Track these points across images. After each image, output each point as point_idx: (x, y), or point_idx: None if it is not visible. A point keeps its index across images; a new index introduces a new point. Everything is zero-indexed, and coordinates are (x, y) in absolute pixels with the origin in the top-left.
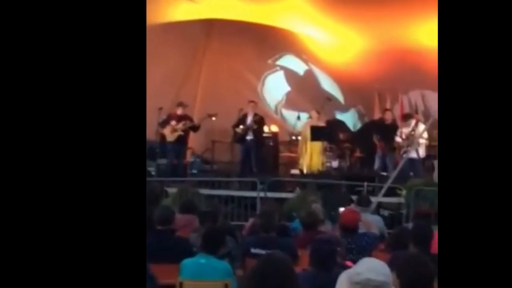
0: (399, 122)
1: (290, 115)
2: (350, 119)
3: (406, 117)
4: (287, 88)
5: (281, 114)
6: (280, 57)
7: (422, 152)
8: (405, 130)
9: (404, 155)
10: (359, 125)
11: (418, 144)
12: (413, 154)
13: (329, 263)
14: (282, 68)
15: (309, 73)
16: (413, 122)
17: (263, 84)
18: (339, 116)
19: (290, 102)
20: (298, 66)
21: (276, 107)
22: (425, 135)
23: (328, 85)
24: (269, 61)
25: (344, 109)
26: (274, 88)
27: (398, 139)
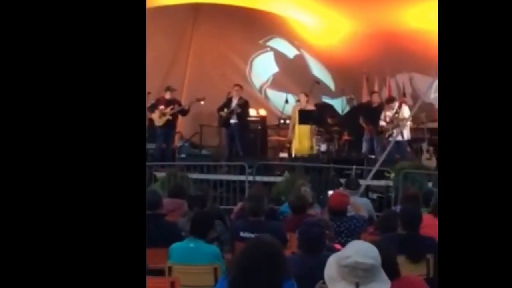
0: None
1: (278, 98)
2: (338, 103)
3: (389, 101)
4: (275, 69)
5: (267, 96)
6: (270, 39)
7: (407, 134)
8: (389, 113)
9: (390, 138)
10: (347, 109)
11: (403, 126)
12: (399, 137)
13: (317, 246)
14: (272, 49)
15: (299, 57)
16: (396, 104)
17: (250, 68)
18: (328, 101)
19: (277, 83)
20: (288, 49)
21: (261, 87)
22: (409, 116)
23: (318, 70)
24: (260, 42)
25: (334, 95)
26: (262, 71)
27: (382, 122)
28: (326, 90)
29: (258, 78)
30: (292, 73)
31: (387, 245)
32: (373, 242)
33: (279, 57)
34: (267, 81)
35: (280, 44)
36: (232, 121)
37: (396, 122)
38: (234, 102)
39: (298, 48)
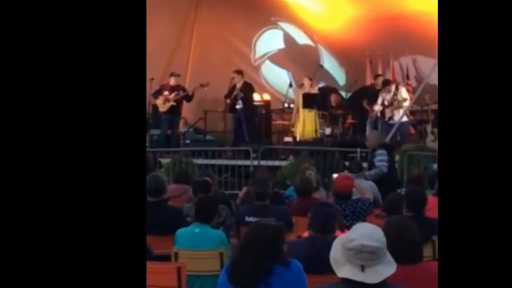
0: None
1: (277, 76)
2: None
3: (385, 83)
4: (281, 45)
5: (266, 65)
6: (277, 22)
7: (407, 116)
8: (387, 96)
9: (391, 121)
10: (351, 92)
11: (404, 107)
12: (403, 119)
13: (330, 226)
14: (282, 30)
15: (309, 46)
16: (393, 87)
17: (254, 51)
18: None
19: (279, 58)
20: (297, 34)
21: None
22: (407, 98)
23: (329, 62)
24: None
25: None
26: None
27: (378, 107)
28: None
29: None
30: (298, 56)
31: (412, 226)
32: (402, 223)
33: (288, 37)
34: (270, 52)
35: (289, 28)
36: (238, 106)
37: (396, 104)
38: (238, 87)
39: (308, 35)
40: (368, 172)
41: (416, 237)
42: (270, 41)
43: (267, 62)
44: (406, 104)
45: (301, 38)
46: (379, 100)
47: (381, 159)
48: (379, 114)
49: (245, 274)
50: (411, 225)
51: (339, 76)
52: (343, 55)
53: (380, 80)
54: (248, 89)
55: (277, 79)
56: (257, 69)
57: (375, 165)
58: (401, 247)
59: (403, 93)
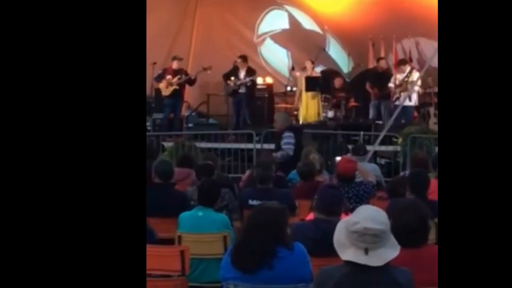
0: (393, 70)
1: (281, 63)
2: (339, 54)
3: (400, 63)
4: (286, 26)
5: (265, 44)
6: (283, 4)
7: (414, 99)
8: (399, 76)
9: (397, 102)
10: (351, 71)
11: (412, 91)
12: (406, 101)
13: (335, 208)
14: (287, 11)
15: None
16: (407, 68)
17: (257, 31)
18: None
19: (282, 38)
20: (301, 16)
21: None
22: (419, 82)
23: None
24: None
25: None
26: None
27: (391, 84)
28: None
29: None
30: (301, 40)
31: (423, 209)
32: (408, 204)
33: (293, 19)
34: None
35: (294, 11)
36: (240, 90)
37: (404, 85)
38: (242, 73)
39: (318, 23)
40: (274, 154)
41: (422, 220)
42: (274, 20)
43: (267, 42)
44: (416, 88)
45: (308, 23)
46: (392, 79)
47: (287, 141)
48: (386, 92)
49: (249, 257)
50: (418, 208)
51: (345, 65)
52: (346, 38)
53: (382, 63)
54: (252, 74)
55: (277, 59)
56: (257, 48)
57: (282, 147)
58: (407, 230)
59: (415, 76)
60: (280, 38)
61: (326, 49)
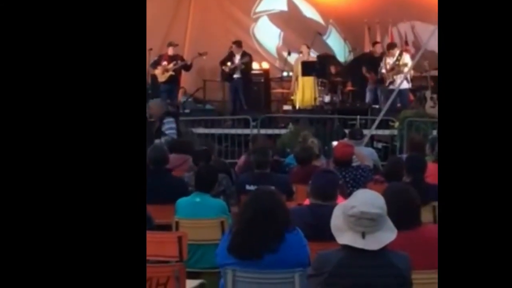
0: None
1: (273, 45)
2: (337, 44)
3: (390, 47)
4: (277, 30)
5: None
6: None
7: (408, 82)
8: (390, 61)
9: (391, 86)
10: (349, 58)
11: (405, 73)
12: (402, 85)
13: (331, 193)
14: (265, 12)
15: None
16: (397, 52)
17: (255, 22)
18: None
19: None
20: (303, 4)
21: (276, 50)
22: (412, 64)
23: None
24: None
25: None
26: (268, 30)
27: (382, 70)
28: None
29: (262, 34)
30: (294, 27)
31: (411, 192)
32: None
33: (274, 17)
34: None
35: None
36: (236, 76)
37: (397, 69)
38: (237, 57)
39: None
40: (158, 140)
41: (416, 203)
42: (272, 2)
43: (260, 22)
44: (407, 69)
45: (309, 12)
46: (382, 64)
47: (170, 126)
48: (379, 77)
49: (253, 242)
50: (411, 191)
51: (341, 56)
52: (341, 21)
53: (378, 47)
54: (248, 61)
55: (267, 38)
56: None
57: (165, 133)
58: (402, 213)
59: (406, 58)
60: (276, 18)
61: (325, 38)
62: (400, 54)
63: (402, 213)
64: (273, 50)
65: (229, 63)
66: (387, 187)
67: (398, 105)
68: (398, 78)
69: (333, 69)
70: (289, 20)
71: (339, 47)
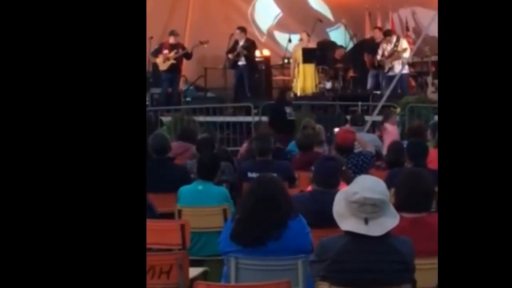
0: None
1: (281, 38)
2: (341, 38)
3: (386, 34)
4: (277, 11)
5: (275, 39)
6: None
7: (406, 68)
8: (388, 47)
9: (390, 72)
10: (350, 45)
11: (408, 58)
12: (403, 70)
13: (332, 180)
14: None
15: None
16: (394, 38)
17: (253, 9)
18: (331, 33)
19: (282, 25)
20: None
21: (267, 31)
22: (408, 50)
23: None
24: None
25: (333, 25)
26: (266, 14)
27: (379, 57)
28: (328, 25)
29: (264, 22)
30: (294, 13)
31: (427, 177)
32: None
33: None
34: (273, 23)
35: None
36: (240, 62)
37: (396, 55)
38: (240, 44)
39: (334, 12)
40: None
41: (428, 187)
42: (266, 12)
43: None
44: (406, 55)
45: (316, 4)
46: (380, 51)
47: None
48: (376, 64)
49: (257, 229)
50: (424, 175)
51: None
52: (342, 7)
53: (378, 33)
54: (250, 45)
55: (280, 37)
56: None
57: None
58: (415, 196)
59: (404, 44)
60: (280, 26)
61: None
62: (398, 40)
63: (418, 196)
64: (264, 28)
65: (234, 52)
66: (392, 173)
67: (399, 91)
68: (397, 64)
69: (337, 55)
70: (291, 4)
71: (340, 37)
